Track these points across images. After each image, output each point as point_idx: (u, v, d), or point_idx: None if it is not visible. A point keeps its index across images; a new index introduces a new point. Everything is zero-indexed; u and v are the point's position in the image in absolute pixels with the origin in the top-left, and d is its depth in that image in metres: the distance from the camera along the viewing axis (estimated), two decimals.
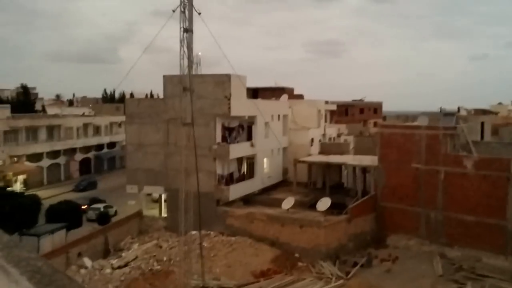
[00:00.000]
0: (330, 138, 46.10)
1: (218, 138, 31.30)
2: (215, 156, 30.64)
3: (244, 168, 34.71)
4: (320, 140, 42.83)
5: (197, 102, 26.05)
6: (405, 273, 25.32)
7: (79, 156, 56.81)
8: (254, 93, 47.68)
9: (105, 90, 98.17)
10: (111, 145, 63.43)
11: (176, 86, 30.14)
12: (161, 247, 28.02)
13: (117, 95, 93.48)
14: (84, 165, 57.74)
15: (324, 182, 35.94)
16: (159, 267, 25.16)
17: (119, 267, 25.29)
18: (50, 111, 73.45)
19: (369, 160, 33.27)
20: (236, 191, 31.67)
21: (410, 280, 24.47)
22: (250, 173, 34.64)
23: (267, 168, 36.45)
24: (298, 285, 23.46)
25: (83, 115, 67.29)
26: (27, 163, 47.60)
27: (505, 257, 26.28)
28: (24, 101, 68.17)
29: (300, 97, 51.60)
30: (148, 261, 25.79)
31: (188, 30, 18.51)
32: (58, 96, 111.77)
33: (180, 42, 18.51)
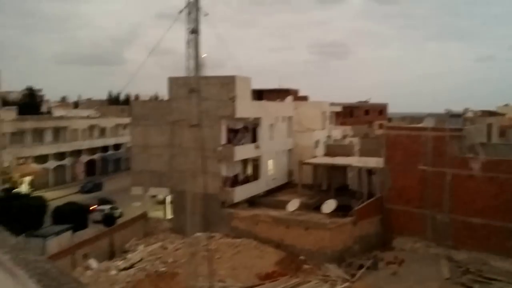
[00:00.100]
0: (335, 140, 45.94)
1: (223, 140, 31.30)
2: (220, 158, 30.63)
3: (249, 170, 34.68)
4: (325, 142, 42.70)
5: (202, 103, 26.04)
6: (411, 276, 25.12)
7: (84, 158, 57.09)
8: (259, 94, 47.63)
9: (110, 92, 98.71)
10: (117, 146, 63.69)
11: (181, 87, 30.20)
12: (166, 248, 28.04)
13: (122, 97, 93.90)
14: (90, 167, 58.01)
15: (329, 184, 35.80)
16: (164, 269, 25.16)
17: (125, 269, 25.32)
18: (56, 113, 73.92)
19: (374, 162, 33.09)
20: (241, 193, 31.63)
21: (416, 283, 24.27)
22: (255, 175, 34.59)
23: (272, 170, 36.37)
24: (303, 287, 23.34)
25: (88, 117, 67.62)
26: (33, 165, 47.89)
27: None
28: (30, 103, 68.68)
29: (305, 98, 51.48)
30: (154, 263, 25.80)
31: (194, 31, 18.52)
32: (63, 98, 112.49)
33: (187, 43, 18.52)
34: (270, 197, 34.02)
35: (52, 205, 32.89)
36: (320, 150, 40.75)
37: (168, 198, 33.02)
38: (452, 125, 30.02)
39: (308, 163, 36.16)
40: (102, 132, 61.78)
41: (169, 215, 32.72)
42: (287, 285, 23.34)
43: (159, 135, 32.52)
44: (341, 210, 29.62)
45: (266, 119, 34.90)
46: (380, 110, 72.64)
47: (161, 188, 32.50)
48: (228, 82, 30.70)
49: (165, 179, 31.94)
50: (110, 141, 62.48)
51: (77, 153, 55.59)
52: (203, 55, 19.17)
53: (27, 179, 46.43)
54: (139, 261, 26.41)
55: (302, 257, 27.06)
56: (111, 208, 36.27)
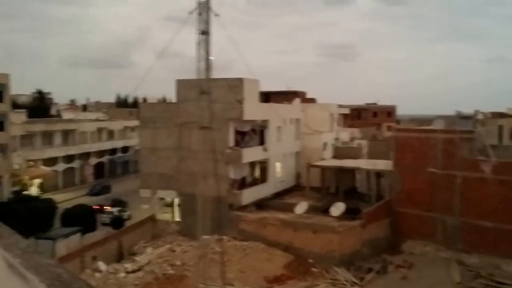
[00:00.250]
0: (343, 142, 45.68)
1: (231, 142, 31.27)
2: (228, 160, 30.59)
3: (257, 173, 34.58)
4: (333, 144, 42.47)
5: (211, 106, 26.06)
6: (421, 280, 24.80)
7: (93, 160, 57.48)
8: (266, 97, 47.57)
9: (118, 95, 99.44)
10: (125, 149, 64.05)
11: (190, 90, 30.27)
12: (174, 251, 28.03)
13: (130, 100, 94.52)
14: (99, 169, 58.38)
15: (337, 187, 35.56)
16: (172, 271, 25.14)
17: (133, 271, 25.36)
18: (65, 116, 74.60)
19: (383, 164, 32.81)
20: (249, 195, 31.54)
21: (427, 287, 23.95)
22: (263, 178, 34.49)
23: (280, 172, 36.24)
24: None
25: (97, 119, 68.17)
26: (43, 167, 48.31)
27: None
28: (39, 106, 69.40)
29: (313, 100, 51.32)
30: (162, 266, 25.80)
31: (205, 32, 18.48)
32: (72, 101, 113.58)
33: (198, 44, 18.47)
34: (278, 200, 33.87)
35: (61, 207, 33.11)
36: (328, 152, 40.53)
37: (176, 201, 33.05)
38: (463, 127, 29.68)
39: (316, 166, 35.96)
40: (111, 134, 62.19)
41: (177, 218, 32.74)
42: None
43: (167, 138, 32.60)
44: (350, 213, 29.38)
45: (274, 122, 34.81)
46: (389, 112, 72.14)
47: (169, 190, 32.56)
48: (236, 84, 30.69)
49: (173, 182, 31.98)
50: (118, 143, 62.86)
51: (86, 155, 56.00)
52: (210, 57, 19.13)
53: (37, 181, 46.85)
54: (147, 263, 26.43)
55: (310, 260, 26.86)
56: (119, 211, 36.45)
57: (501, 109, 56.08)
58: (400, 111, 78.50)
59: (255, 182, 33.55)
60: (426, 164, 29.46)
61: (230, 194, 30.48)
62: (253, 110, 31.77)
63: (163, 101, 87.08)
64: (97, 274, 25.23)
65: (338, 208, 29.26)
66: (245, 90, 30.65)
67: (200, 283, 20.27)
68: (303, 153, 39.32)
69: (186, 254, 26.94)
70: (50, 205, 32.08)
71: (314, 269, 26.10)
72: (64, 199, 41.75)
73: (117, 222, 33.35)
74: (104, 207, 36.85)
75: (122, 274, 25.06)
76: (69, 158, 53.14)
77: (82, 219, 30.49)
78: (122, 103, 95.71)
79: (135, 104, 77.87)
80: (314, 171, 36.19)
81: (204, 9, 18.35)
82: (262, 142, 34.46)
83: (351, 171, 36.54)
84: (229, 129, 31.02)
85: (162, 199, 34.64)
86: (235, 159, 30.75)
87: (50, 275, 2.21)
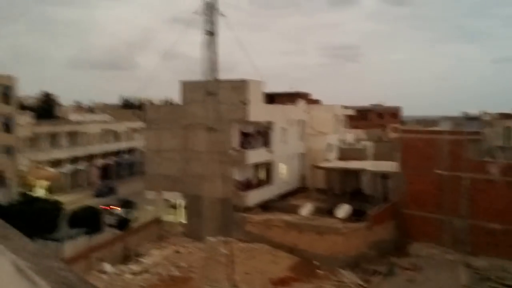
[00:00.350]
0: (348, 144, 45.52)
1: (235, 144, 31.26)
2: (233, 162, 30.59)
3: (261, 174, 34.54)
4: (338, 146, 42.34)
5: (216, 107, 26.09)
6: (428, 283, 24.60)
7: (99, 162, 57.72)
8: (271, 98, 47.53)
9: (122, 96, 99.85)
10: (130, 151, 64.26)
11: (195, 91, 30.33)
12: (179, 253, 28.04)
13: (135, 102, 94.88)
14: (104, 171, 58.61)
15: (342, 188, 35.41)
16: (178, 273, 25.15)
17: (139, 273, 25.40)
18: (71, 117, 75.02)
19: (388, 166, 32.64)
20: (254, 197, 31.50)
21: None
22: (268, 179, 34.44)
23: (285, 174, 36.17)
24: None
25: (103, 121, 68.45)
26: (49, 169, 48.59)
27: None
28: (45, 108, 69.83)
29: (317, 102, 51.23)
30: (167, 267, 25.81)
31: (211, 33, 18.47)
32: (77, 103, 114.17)
33: (205, 45, 18.46)
34: (283, 202, 33.80)
35: (68, 209, 33.26)
36: (333, 154, 40.41)
37: (181, 202, 33.09)
38: (469, 128, 29.45)
39: (321, 167, 35.85)
40: (116, 136, 62.43)
41: (182, 219, 32.77)
42: None
43: (172, 139, 32.66)
44: (355, 215, 29.24)
45: (278, 123, 34.76)
46: (394, 113, 71.85)
47: (174, 192, 32.60)
48: (240, 86, 30.69)
49: (178, 183, 32.03)
50: (124, 145, 63.09)
51: (91, 157, 56.26)
52: (218, 58, 19.12)
53: (43, 183, 47.13)
54: (152, 265, 26.46)
55: (315, 262, 26.75)
56: (126, 212, 36.54)
57: (508, 110, 55.62)
58: (406, 112, 78.18)
59: (260, 184, 33.50)
60: (432, 166, 29.26)
61: (235, 195, 30.46)
62: (258, 112, 31.76)
63: (170, 103, 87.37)
64: (104, 276, 25.30)
65: (343, 210, 29.12)
66: (249, 92, 30.65)
67: (206, 285, 20.24)
68: (308, 154, 39.23)
69: (191, 256, 26.95)
70: (56, 207, 32.24)
71: (319, 271, 25.99)
72: (70, 201, 41.93)
73: (122, 224, 33.42)
74: (112, 207, 36.77)
75: (128, 276, 25.11)
76: (75, 160, 53.40)
77: (88, 220, 30.61)
78: (128, 105, 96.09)
79: (139, 105, 78.15)
80: (319, 172, 36.07)
81: (210, 9, 18.35)
82: (266, 143, 34.43)
83: (356, 173, 36.38)
84: (233, 130, 31.02)
85: (167, 200, 34.71)
86: (239, 161, 30.73)
87: (58, 278, 2.19)
